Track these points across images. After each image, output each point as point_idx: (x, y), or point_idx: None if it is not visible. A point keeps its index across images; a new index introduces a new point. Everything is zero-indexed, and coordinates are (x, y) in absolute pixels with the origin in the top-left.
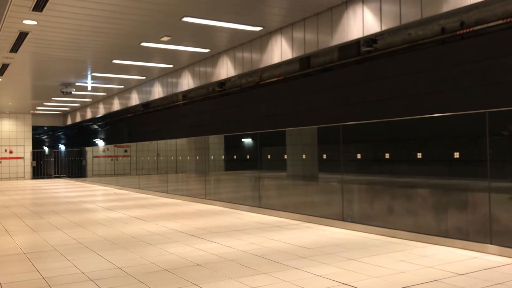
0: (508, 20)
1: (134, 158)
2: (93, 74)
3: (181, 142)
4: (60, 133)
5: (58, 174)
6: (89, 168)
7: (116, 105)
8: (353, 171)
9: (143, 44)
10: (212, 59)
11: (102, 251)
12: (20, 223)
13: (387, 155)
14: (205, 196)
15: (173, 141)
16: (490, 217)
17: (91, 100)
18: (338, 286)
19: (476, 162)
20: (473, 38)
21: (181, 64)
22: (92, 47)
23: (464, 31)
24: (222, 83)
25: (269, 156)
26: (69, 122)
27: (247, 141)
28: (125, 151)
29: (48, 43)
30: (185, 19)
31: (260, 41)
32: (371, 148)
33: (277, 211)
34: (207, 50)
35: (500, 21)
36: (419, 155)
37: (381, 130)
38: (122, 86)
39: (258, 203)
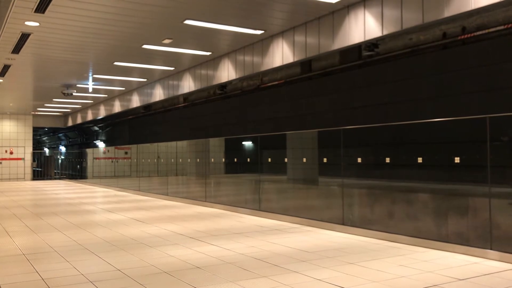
0: (510, 25)
1: (135, 160)
2: (95, 76)
3: (182, 144)
4: (60, 134)
5: (58, 176)
6: (89, 169)
7: (117, 107)
8: (353, 175)
9: (145, 46)
10: (213, 62)
11: (102, 252)
12: (20, 224)
13: (387, 160)
14: (205, 198)
15: (173, 143)
16: (491, 223)
17: (92, 101)
18: None
19: (477, 167)
20: (474, 44)
21: (182, 66)
22: (94, 49)
23: (466, 36)
24: (223, 86)
25: (269, 160)
26: (70, 123)
27: (248, 144)
28: (126, 153)
29: (49, 45)
30: (187, 22)
31: (261, 45)
32: (372, 153)
33: (277, 215)
34: (208, 53)
35: (502, 27)
36: (420, 160)
37: (381, 135)
38: (123, 88)
39: (258, 206)
